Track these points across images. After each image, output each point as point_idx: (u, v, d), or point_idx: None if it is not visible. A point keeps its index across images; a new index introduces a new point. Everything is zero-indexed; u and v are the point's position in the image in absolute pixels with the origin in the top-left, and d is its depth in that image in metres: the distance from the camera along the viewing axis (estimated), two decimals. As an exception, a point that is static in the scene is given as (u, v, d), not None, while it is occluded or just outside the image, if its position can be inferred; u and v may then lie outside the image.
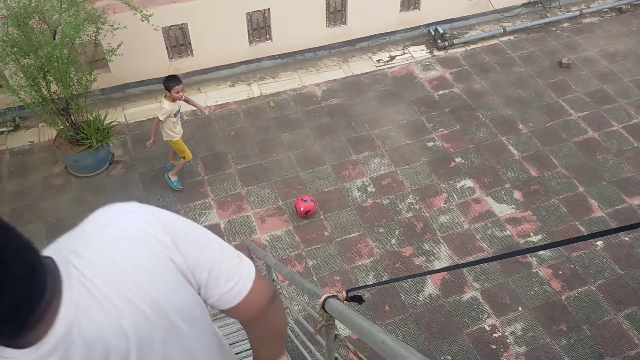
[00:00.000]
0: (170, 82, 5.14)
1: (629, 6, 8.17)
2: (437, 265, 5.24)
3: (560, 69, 7.25)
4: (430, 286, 5.07)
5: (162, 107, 5.24)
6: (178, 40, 6.82)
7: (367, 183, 5.98)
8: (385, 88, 7.12)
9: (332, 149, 6.35)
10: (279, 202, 5.81)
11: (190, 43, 6.85)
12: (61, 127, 5.76)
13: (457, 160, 6.19)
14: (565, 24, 8.04)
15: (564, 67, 7.23)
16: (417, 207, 5.73)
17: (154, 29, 5.90)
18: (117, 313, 1.13)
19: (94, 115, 5.90)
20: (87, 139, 5.79)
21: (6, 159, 6.22)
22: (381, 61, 7.51)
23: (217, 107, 6.88)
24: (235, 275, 1.33)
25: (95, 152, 5.88)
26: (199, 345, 1.34)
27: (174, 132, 5.42)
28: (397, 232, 5.50)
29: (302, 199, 5.58)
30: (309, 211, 5.54)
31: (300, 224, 5.59)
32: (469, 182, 5.95)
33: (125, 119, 6.72)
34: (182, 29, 6.70)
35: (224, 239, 5.02)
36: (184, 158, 5.68)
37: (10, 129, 6.43)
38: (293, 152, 6.33)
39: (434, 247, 5.37)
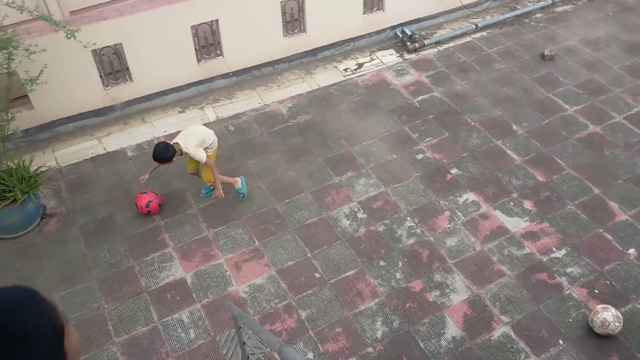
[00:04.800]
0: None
1: (597, -8, 7.72)
2: (455, 299, 4.38)
3: (543, 62, 6.64)
4: (452, 326, 4.20)
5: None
6: (113, 65, 5.80)
7: (356, 208, 5.09)
8: (358, 99, 6.30)
9: (308, 173, 5.44)
10: (254, 242, 4.84)
11: (127, 67, 5.83)
12: (-26, 179, 4.62)
13: (453, 171, 5.40)
14: (538, 15, 7.48)
15: (547, 59, 6.63)
16: (418, 230, 4.88)
17: (84, 47, 4.92)
18: None
19: (15, 162, 4.78)
20: (10, 191, 4.67)
21: None
22: (348, 70, 6.70)
23: (166, 137, 5.85)
24: None
25: (22, 207, 4.75)
26: None
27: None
28: (400, 263, 4.62)
29: (142, 193, 5.03)
30: (150, 211, 5.00)
31: (284, 266, 4.62)
32: (471, 196, 5.16)
33: (57, 162, 5.60)
34: (117, 50, 5.68)
35: (192, 295, 3.77)
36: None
37: None
38: (264, 181, 5.38)
39: (447, 278, 4.51)
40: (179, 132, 5.91)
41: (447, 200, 5.13)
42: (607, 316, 4.02)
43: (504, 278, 4.50)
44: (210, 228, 4.97)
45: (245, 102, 6.30)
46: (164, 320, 4.30)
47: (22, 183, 4.69)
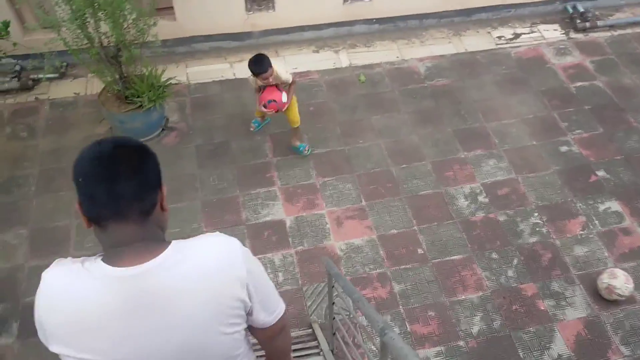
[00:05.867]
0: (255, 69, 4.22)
1: None
2: (570, 314, 3.84)
3: None
4: (560, 343, 3.69)
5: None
6: (259, -11, 5.64)
7: (478, 190, 4.62)
8: (507, 71, 5.67)
9: (434, 142, 5.01)
10: (361, 201, 4.56)
11: (273, -5, 5.65)
12: (109, 78, 4.71)
13: (600, 173, 4.71)
14: None
15: None
16: (544, 230, 4.33)
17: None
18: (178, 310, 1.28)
19: (149, 69, 4.82)
20: (138, 96, 4.73)
21: (45, 111, 5.27)
22: (503, 38, 6.04)
23: (296, 74, 5.65)
24: (276, 309, 1.54)
25: (146, 114, 4.81)
26: None
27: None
28: (515, 261, 4.14)
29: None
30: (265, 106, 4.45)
31: (387, 233, 4.32)
32: (615, 205, 4.47)
33: (187, 78, 5.63)
34: (266, -25, 5.51)
35: (288, 240, 4.12)
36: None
37: (54, 75, 5.48)
38: (384, 140, 5.04)
39: (567, 289, 3.97)
40: (307, 71, 5.72)
41: (585, 203, 4.50)
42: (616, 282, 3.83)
43: (634, 305, 3.87)
44: (320, 176, 4.75)
45: (383, 53, 5.91)
46: (257, 257, 4.18)
47: (150, 91, 4.73)
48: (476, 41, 6.04)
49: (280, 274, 4.08)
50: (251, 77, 4.34)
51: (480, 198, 4.55)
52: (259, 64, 4.17)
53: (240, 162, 4.86)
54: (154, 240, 1.33)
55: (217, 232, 1.42)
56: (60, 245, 4.22)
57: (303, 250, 4.22)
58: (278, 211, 4.50)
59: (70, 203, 4.50)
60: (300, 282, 4.04)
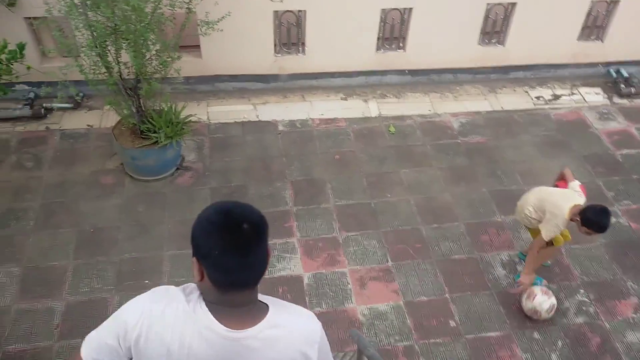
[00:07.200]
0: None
1: None
2: (625, 412, 3.33)
3: None
4: None
5: (555, 222, 3.46)
6: (290, 33, 5.41)
7: (517, 259, 4.18)
8: (546, 133, 5.33)
9: (468, 201, 4.62)
10: (387, 261, 4.14)
11: (303, 42, 5.42)
12: (125, 111, 4.43)
13: (652, 250, 4.27)
14: None
15: None
16: (591, 309, 3.85)
17: (271, 0, 4.46)
18: None
19: (168, 104, 4.54)
20: (154, 132, 4.42)
21: (54, 141, 4.97)
22: (541, 99, 5.74)
23: (322, 121, 5.37)
24: None
25: (161, 151, 4.49)
26: None
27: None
28: (560, 343, 3.65)
29: None
30: None
31: (415, 300, 3.87)
32: (671, 287, 4.01)
33: (208, 117, 5.34)
34: (299, 18, 5.29)
35: (305, 299, 3.75)
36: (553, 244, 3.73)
37: (68, 105, 5.21)
38: (414, 196, 4.65)
39: (620, 381, 3.47)
40: (334, 118, 5.42)
41: (637, 282, 4.04)
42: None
43: (700, 408, 3.35)
44: (343, 230, 4.35)
45: (414, 105, 5.61)
46: (268, 316, 3.74)
47: (168, 127, 4.43)
48: (513, 100, 5.73)
49: (293, 339, 3.61)
50: (562, 222, 3.47)
51: (520, 268, 4.11)
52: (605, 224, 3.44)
53: (258, 208, 4.47)
54: (256, 304, 1.48)
55: (307, 312, 1.62)
56: (54, 287, 3.81)
57: (321, 313, 3.77)
58: (295, 266, 4.07)
59: (70, 241, 4.12)
60: (315, 349, 3.57)
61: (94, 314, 3.61)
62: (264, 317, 1.45)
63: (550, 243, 3.63)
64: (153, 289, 1.52)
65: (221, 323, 1.40)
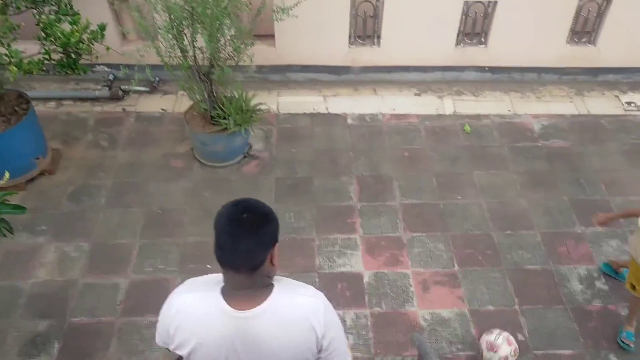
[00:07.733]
0: None
1: None
2: None
3: None
4: None
5: None
6: (366, 24, 5.28)
7: (596, 274, 3.87)
8: (638, 142, 4.92)
9: (545, 209, 4.33)
10: (454, 266, 3.94)
11: (379, 35, 5.27)
12: (197, 96, 4.46)
13: None
14: None
15: None
16: (679, 337, 3.50)
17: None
18: None
19: (240, 92, 4.53)
20: (224, 118, 4.43)
21: (129, 123, 5.09)
22: (633, 104, 5.31)
23: (392, 116, 5.21)
24: None
25: (230, 137, 4.49)
26: None
27: None
28: (641, 370, 3.34)
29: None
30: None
31: (481, 309, 3.66)
32: None
33: (278, 107, 5.31)
34: (376, 8, 5.14)
35: (364, 297, 3.75)
36: None
37: (144, 89, 5.33)
38: (486, 200, 4.42)
39: None
40: (406, 114, 5.26)
41: None
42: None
43: None
44: (408, 230, 4.19)
45: (493, 104, 5.34)
46: (325, 312, 3.65)
47: (238, 114, 4.42)
48: (601, 104, 5.33)
49: (350, 337, 3.50)
50: None
51: (599, 284, 3.80)
52: None
53: (321, 202, 4.40)
54: (260, 287, 1.62)
55: (312, 290, 1.72)
56: (119, 265, 3.88)
57: (380, 313, 3.64)
58: (356, 263, 3.96)
59: (138, 221, 4.20)
60: (372, 350, 3.44)
61: (156, 294, 3.64)
62: (268, 297, 1.61)
63: None
64: (190, 279, 1.77)
65: (229, 304, 1.59)
